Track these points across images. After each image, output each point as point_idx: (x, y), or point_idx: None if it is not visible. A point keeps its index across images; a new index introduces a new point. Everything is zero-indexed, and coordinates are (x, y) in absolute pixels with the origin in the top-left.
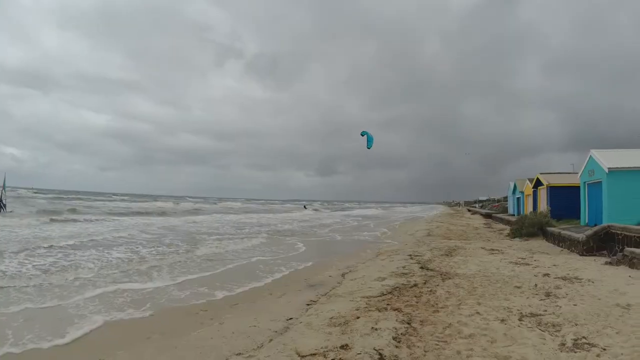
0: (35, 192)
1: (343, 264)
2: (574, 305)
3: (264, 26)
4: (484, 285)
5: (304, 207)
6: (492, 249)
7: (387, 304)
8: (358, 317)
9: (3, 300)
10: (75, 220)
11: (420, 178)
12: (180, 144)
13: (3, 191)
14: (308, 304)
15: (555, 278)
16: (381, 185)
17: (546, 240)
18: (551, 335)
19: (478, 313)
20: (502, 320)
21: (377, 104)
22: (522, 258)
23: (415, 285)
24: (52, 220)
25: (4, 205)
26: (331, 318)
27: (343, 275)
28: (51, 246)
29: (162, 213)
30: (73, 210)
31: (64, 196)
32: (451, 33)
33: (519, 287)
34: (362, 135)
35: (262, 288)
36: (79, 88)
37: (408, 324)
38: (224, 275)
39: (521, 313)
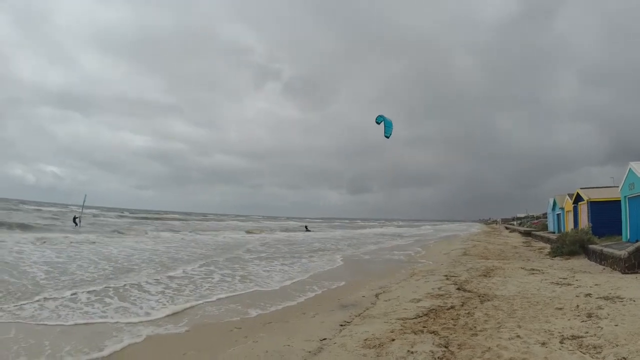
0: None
1: (376, 284)
2: (615, 325)
3: (296, 48)
4: (524, 308)
5: (306, 228)
6: (532, 269)
7: (423, 327)
8: (393, 340)
9: (62, 314)
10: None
11: (454, 196)
12: (214, 163)
13: (82, 209)
14: (342, 325)
15: (597, 298)
16: (413, 203)
17: (588, 258)
18: (592, 358)
19: (518, 336)
20: (543, 344)
21: (408, 120)
22: (564, 278)
23: (452, 307)
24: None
25: (79, 222)
26: (365, 340)
27: (377, 295)
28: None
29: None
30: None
31: (109, 213)
32: (482, 47)
33: (560, 309)
34: (378, 123)
35: (295, 307)
36: (118, 110)
37: (445, 347)
38: (256, 294)
39: (562, 335)
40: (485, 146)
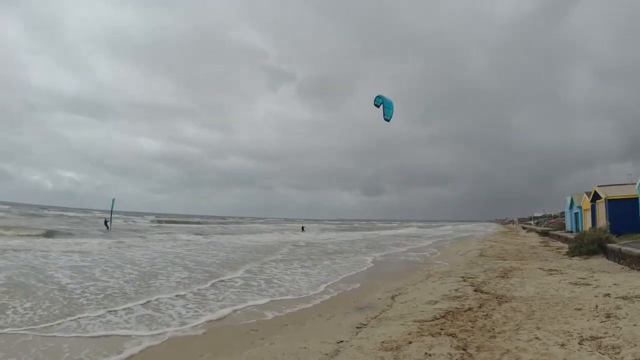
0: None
1: (392, 285)
2: (634, 325)
3: (309, 49)
4: (542, 309)
5: (302, 229)
6: (551, 270)
7: (441, 329)
8: (410, 342)
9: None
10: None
11: (469, 195)
12: (228, 166)
13: (111, 213)
14: (358, 327)
15: (615, 298)
16: (428, 203)
17: (607, 257)
18: (610, 358)
19: (537, 338)
20: (562, 345)
21: (422, 120)
22: (582, 278)
23: (470, 309)
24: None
25: (109, 225)
26: (382, 342)
27: (393, 297)
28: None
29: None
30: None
31: (131, 217)
32: (497, 44)
33: (579, 309)
34: (377, 105)
35: (310, 309)
36: (132, 115)
37: (463, 349)
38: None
39: (581, 336)
40: (501, 144)
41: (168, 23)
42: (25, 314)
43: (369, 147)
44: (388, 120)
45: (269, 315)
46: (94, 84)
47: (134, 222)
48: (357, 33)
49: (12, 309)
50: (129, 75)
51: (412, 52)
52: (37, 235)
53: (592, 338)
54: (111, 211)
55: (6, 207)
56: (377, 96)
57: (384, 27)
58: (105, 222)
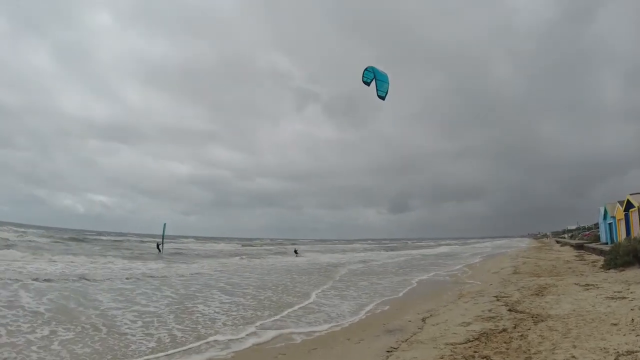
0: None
1: (422, 307)
2: None
3: (334, 68)
4: (579, 326)
5: (295, 252)
6: (587, 284)
7: (475, 352)
8: None
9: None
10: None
11: (501, 210)
12: (255, 187)
13: (163, 237)
14: (388, 351)
15: None
16: (457, 220)
17: None
18: None
19: (574, 357)
20: None
21: (448, 133)
22: (618, 291)
23: (504, 329)
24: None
25: (161, 249)
26: None
27: (423, 319)
28: None
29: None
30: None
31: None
32: (522, 54)
33: (615, 324)
34: (368, 83)
35: (339, 332)
36: (162, 140)
37: None
38: (298, 316)
39: (617, 352)
40: (531, 156)
41: (196, 51)
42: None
43: (395, 164)
44: (383, 98)
45: (297, 339)
46: (125, 111)
47: (179, 244)
48: (380, 48)
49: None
50: (158, 102)
51: (437, 65)
52: (130, 259)
53: (629, 353)
54: (163, 235)
55: (40, 231)
56: (366, 69)
57: (407, 41)
58: (158, 246)
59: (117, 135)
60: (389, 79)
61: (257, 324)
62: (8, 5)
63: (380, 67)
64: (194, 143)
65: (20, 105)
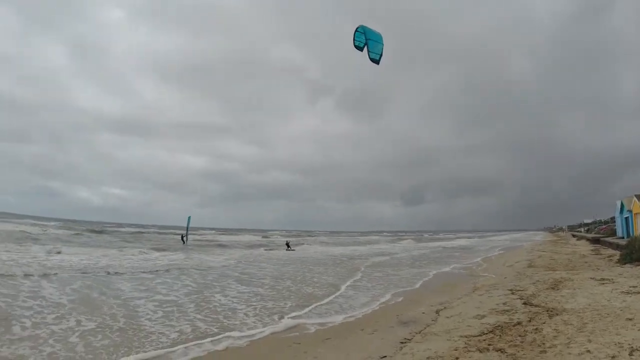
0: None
1: (436, 299)
2: None
3: (347, 61)
4: (594, 320)
5: (287, 245)
6: (603, 279)
7: (489, 344)
8: (457, 358)
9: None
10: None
11: (517, 203)
12: (268, 181)
13: (187, 229)
14: (402, 342)
15: None
16: (473, 213)
17: None
18: None
19: (588, 351)
20: (613, 357)
21: (464, 128)
22: (634, 286)
23: (519, 323)
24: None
25: (186, 240)
26: (428, 358)
27: (437, 312)
28: None
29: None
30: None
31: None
32: (538, 47)
33: (630, 319)
34: (360, 48)
35: (352, 323)
36: (176, 134)
37: None
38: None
39: (632, 347)
40: (547, 149)
41: (209, 45)
42: None
43: (410, 157)
44: (377, 62)
45: (312, 328)
46: (139, 106)
47: (201, 236)
48: (395, 42)
49: None
50: (172, 96)
51: (453, 59)
52: (156, 250)
53: None
54: (187, 227)
55: (58, 223)
56: (357, 30)
57: (422, 35)
58: (182, 238)
59: (131, 129)
60: (383, 40)
61: (292, 315)
62: (22, 1)
63: (395, 61)
64: (207, 137)
65: (35, 100)
